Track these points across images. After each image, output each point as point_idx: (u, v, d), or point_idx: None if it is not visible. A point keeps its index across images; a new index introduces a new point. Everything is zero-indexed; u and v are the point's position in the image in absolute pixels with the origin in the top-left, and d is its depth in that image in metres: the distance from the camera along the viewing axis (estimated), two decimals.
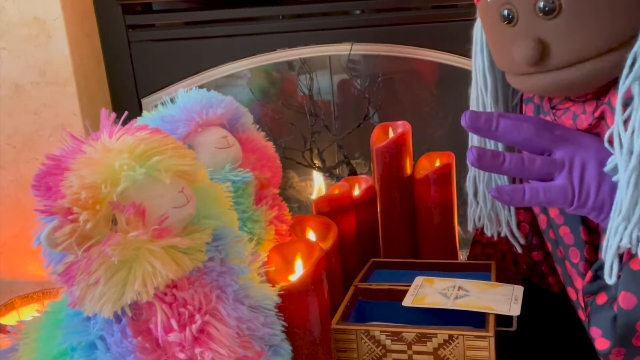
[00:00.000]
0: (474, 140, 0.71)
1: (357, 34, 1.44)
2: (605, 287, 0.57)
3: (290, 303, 0.54)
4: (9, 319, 1.34)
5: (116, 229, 0.43)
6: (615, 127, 0.52)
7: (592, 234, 0.62)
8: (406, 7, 1.43)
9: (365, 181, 0.84)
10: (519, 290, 0.64)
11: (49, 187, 0.43)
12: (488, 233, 0.72)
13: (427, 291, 0.65)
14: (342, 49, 1.45)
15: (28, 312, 1.35)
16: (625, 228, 0.51)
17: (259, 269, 0.54)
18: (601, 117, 0.57)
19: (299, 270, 0.59)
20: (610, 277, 0.52)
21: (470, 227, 0.74)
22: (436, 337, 0.58)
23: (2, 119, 1.37)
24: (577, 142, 0.56)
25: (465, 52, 0.70)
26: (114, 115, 0.47)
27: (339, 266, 0.70)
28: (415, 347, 0.58)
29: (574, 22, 0.54)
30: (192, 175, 0.49)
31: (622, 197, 0.51)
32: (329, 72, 1.54)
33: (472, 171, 0.72)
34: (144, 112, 0.64)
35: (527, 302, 0.61)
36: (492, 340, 0.56)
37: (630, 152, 0.50)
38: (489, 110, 0.69)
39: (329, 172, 1.41)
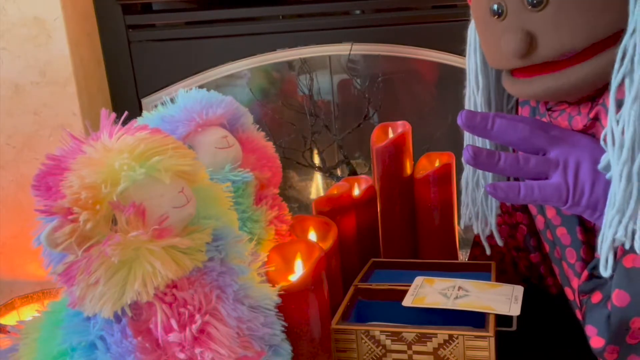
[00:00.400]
0: (470, 140, 0.71)
1: (357, 34, 1.44)
2: (600, 286, 0.57)
3: (290, 303, 0.54)
4: (9, 319, 1.34)
5: (116, 229, 0.43)
6: (608, 123, 0.52)
7: (589, 234, 0.62)
8: (406, 7, 1.43)
9: (365, 181, 0.84)
10: (519, 291, 0.64)
11: (49, 187, 0.43)
12: (475, 231, 0.72)
13: (427, 291, 0.65)
14: (342, 49, 1.45)
15: (28, 312, 1.35)
16: (620, 221, 0.51)
17: (259, 269, 0.54)
18: (596, 118, 0.57)
19: (298, 270, 0.59)
20: (605, 270, 0.52)
21: (461, 225, 0.74)
22: (436, 337, 0.58)
23: (2, 119, 1.37)
24: (572, 142, 0.56)
25: (465, 52, 0.70)
26: (114, 115, 0.47)
27: (339, 266, 0.70)
28: (415, 347, 0.58)
29: (562, 13, 0.54)
30: (192, 175, 0.49)
31: (616, 191, 0.51)
32: (329, 72, 1.54)
33: (466, 170, 0.72)
34: (144, 112, 0.64)
35: (527, 302, 0.61)
36: (492, 340, 0.56)
37: (622, 146, 0.50)
38: (480, 110, 0.69)
39: (329, 172, 1.41)
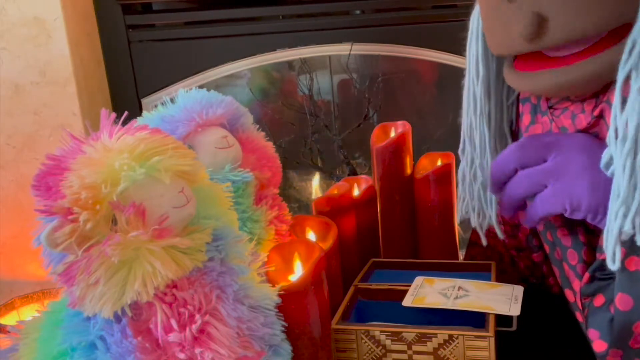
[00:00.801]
0: (467, 135, 0.71)
1: (357, 34, 1.44)
2: (602, 289, 0.57)
3: (290, 303, 0.54)
4: (9, 319, 1.34)
5: (116, 229, 0.43)
6: (612, 115, 0.51)
7: (590, 236, 0.62)
8: (406, 7, 1.43)
9: (365, 181, 0.84)
10: (519, 290, 0.64)
11: (49, 187, 0.43)
12: (472, 224, 0.72)
13: (427, 291, 0.65)
14: (342, 49, 1.45)
15: (28, 312, 1.36)
16: (625, 214, 0.50)
17: (259, 269, 0.54)
18: (600, 116, 0.57)
19: (298, 270, 0.59)
20: (613, 263, 0.51)
21: (458, 219, 0.74)
22: (436, 337, 0.58)
23: (2, 119, 1.37)
24: (568, 146, 0.56)
25: (465, 52, 0.70)
26: (114, 115, 0.47)
27: (339, 266, 0.70)
28: (415, 347, 0.58)
29: None
30: (192, 175, 0.49)
31: (620, 183, 0.50)
32: (329, 72, 1.54)
33: (463, 163, 0.71)
34: (144, 112, 0.64)
35: (527, 302, 0.61)
36: (492, 340, 0.56)
37: (625, 138, 0.50)
38: (479, 101, 0.68)
39: (329, 172, 1.41)
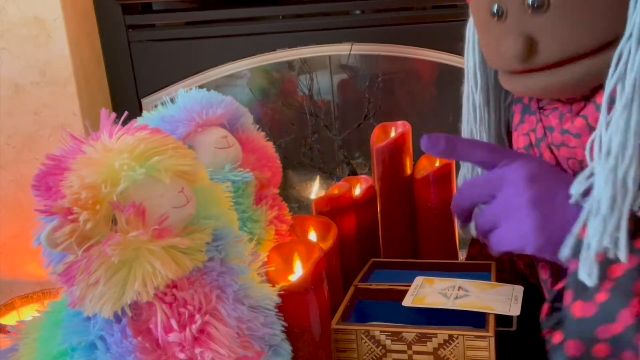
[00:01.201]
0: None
1: (357, 34, 1.44)
2: (560, 324, 0.56)
3: (290, 303, 0.54)
4: (9, 319, 1.34)
5: (116, 229, 0.43)
6: (597, 128, 0.51)
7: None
8: (406, 7, 1.43)
9: (365, 181, 0.84)
10: (519, 290, 0.64)
11: (49, 187, 0.43)
12: (471, 232, 0.72)
13: (427, 291, 0.65)
14: (342, 49, 1.45)
15: (28, 312, 1.36)
16: (604, 230, 0.50)
17: (259, 269, 0.54)
18: (584, 116, 0.57)
19: (298, 271, 0.59)
20: (590, 279, 0.50)
21: (459, 224, 0.74)
22: (436, 337, 0.58)
23: (2, 119, 1.37)
24: (513, 181, 0.55)
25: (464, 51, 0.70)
26: (114, 115, 0.47)
27: (339, 266, 0.70)
28: (415, 347, 0.58)
29: (563, 18, 0.53)
30: (192, 175, 0.49)
31: (601, 197, 0.50)
32: (329, 72, 1.54)
33: (463, 168, 0.72)
34: (144, 112, 0.64)
35: (527, 302, 0.61)
36: (492, 340, 0.56)
37: (608, 153, 0.50)
38: (479, 110, 0.69)
39: (329, 172, 1.41)
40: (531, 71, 0.58)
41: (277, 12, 1.47)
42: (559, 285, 0.53)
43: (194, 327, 0.45)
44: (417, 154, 0.88)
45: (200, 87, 0.79)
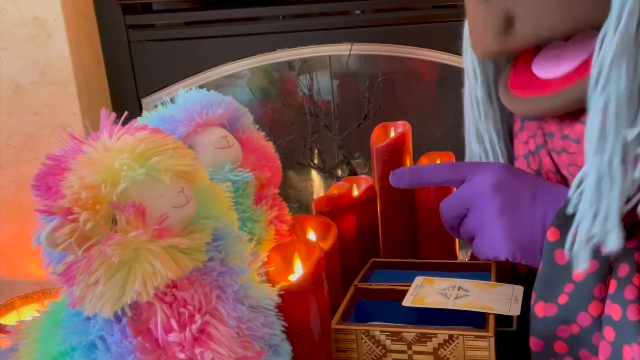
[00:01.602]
0: (471, 138, 0.71)
1: (357, 34, 1.44)
2: None
3: (290, 303, 0.54)
4: (9, 319, 1.34)
5: (116, 229, 0.43)
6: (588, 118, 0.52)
7: None
8: (406, 7, 1.43)
9: (365, 181, 0.84)
10: (519, 290, 0.64)
11: (49, 187, 0.43)
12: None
13: (427, 291, 0.65)
14: (342, 49, 1.45)
15: (28, 312, 1.36)
16: (594, 218, 0.51)
17: (259, 269, 0.54)
18: (583, 122, 0.57)
19: (298, 271, 0.59)
20: (584, 267, 0.52)
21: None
22: (436, 337, 0.58)
23: (2, 119, 1.37)
24: (481, 193, 0.58)
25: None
26: (114, 115, 0.47)
27: (339, 266, 0.70)
28: (415, 347, 0.58)
29: None
30: (192, 175, 0.49)
31: (590, 186, 0.51)
32: (329, 72, 1.54)
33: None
34: (144, 112, 0.64)
35: (527, 302, 0.61)
36: (492, 340, 0.56)
37: (591, 138, 0.50)
38: (482, 105, 0.70)
39: (329, 172, 1.41)
40: (527, 94, 0.59)
41: (277, 12, 1.48)
42: None
43: (194, 327, 0.45)
44: (417, 154, 0.88)
45: (200, 87, 0.79)
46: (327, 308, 0.59)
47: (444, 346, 0.58)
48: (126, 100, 1.51)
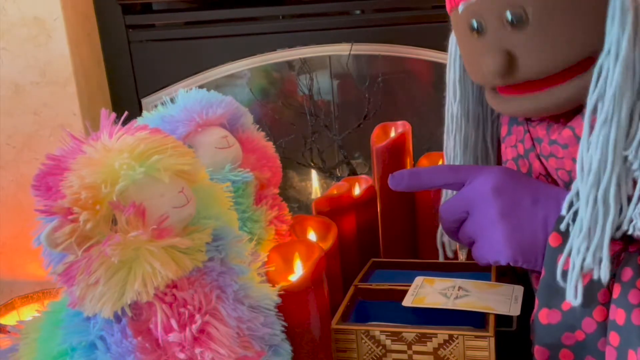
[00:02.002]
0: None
1: (357, 34, 1.44)
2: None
3: (290, 303, 0.54)
4: (9, 319, 1.34)
5: (116, 229, 0.43)
6: (580, 147, 0.51)
7: None
8: (406, 7, 1.43)
9: (365, 181, 0.84)
10: (519, 290, 0.64)
11: (49, 187, 0.43)
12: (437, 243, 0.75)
13: (427, 291, 0.65)
14: (342, 49, 1.45)
15: (28, 312, 1.36)
16: (587, 248, 0.50)
17: (259, 269, 0.54)
18: (571, 127, 0.57)
19: (298, 271, 0.59)
20: (575, 298, 0.51)
21: (438, 242, 0.76)
22: (436, 337, 0.58)
23: (2, 119, 1.37)
24: (482, 195, 0.57)
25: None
26: (114, 115, 0.47)
27: (339, 266, 0.70)
28: (415, 347, 0.58)
29: (542, 34, 0.53)
30: (192, 175, 0.49)
31: (583, 216, 0.51)
32: (329, 72, 1.54)
33: (444, 192, 0.73)
34: (144, 112, 0.64)
35: (527, 302, 0.61)
36: (492, 340, 0.56)
37: (590, 170, 0.50)
38: (456, 120, 0.70)
39: (329, 172, 1.41)
40: (514, 93, 0.58)
41: (277, 12, 1.48)
42: None
43: (194, 327, 0.45)
44: (417, 154, 0.88)
45: (200, 87, 0.79)
46: (327, 308, 0.59)
47: (444, 346, 0.58)
48: (126, 100, 1.51)
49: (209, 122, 0.62)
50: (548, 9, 0.52)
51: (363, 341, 0.60)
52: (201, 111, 0.62)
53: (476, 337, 0.57)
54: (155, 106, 0.67)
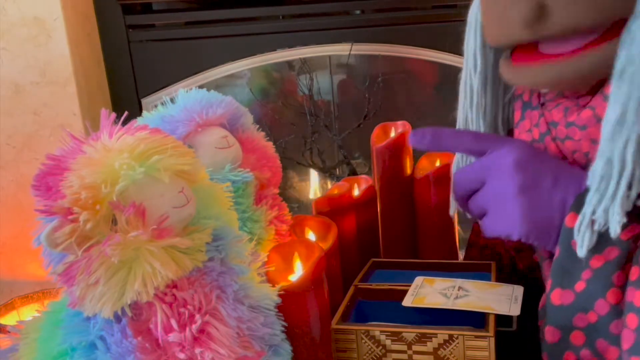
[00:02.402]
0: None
1: (357, 34, 1.44)
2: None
3: (290, 303, 0.54)
4: (9, 319, 1.34)
5: (116, 229, 0.43)
6: (603, 120, 0.50)
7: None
8: (406, 7, 1.43)
9: (365, 181, 0.84)
10: (519, 290, 0.64)
11: (49, 187, 0.43)
12: (468, 216, 0.72)
13: (427, 291, 0.65)
14: (342, 49, 1.45)
15: (28, 312, 1.36)
16: (599, 201, 0.50)
17: (259, 269, 0.54)
18: (591, 107, 0.57)
19: (298, 271, 0.59)
20: (581, 249, 0.51)
21: (451, 212, 0.73)
22: (436, 337, 0.58)
23: (2, 119, 1.37)
24: (502, 167, 0.56)
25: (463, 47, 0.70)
26: (114, 115, 0.47)
27: (339, 266, 0.70)
28: (415, 347, 0.58)
29: None
30: (192, 175, 0.49)
31: (596, 169, 0.50)
32: (329, 72, 1.54)
33: (457, 157, 0.71)
34: (144, 112, 0.64)
35: (527, 302, 0.61)
36: (492, 340, 0.56)
37: (607, 125, 0.49)
38: (476, 95, 0.67)
39: (329, 172, 1.41)
40: (534, 61, 0.57)
41: (277, 12, 1.47)
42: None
43: (194, 327, 0.45)
44: (417, 153, 0.88)
45: (200, 87, 0.79)
46: (327, 308, 0.59)
47: (444, 346, 0.58)
48: (126, 100, 1.51)
49: (209, 122, 0.62)
50: None
51: (363, 341, 0.60)
52: (201, 111, 0.62)
53: (476, 337, 0.57)
54: (155, 106, 0.67)
